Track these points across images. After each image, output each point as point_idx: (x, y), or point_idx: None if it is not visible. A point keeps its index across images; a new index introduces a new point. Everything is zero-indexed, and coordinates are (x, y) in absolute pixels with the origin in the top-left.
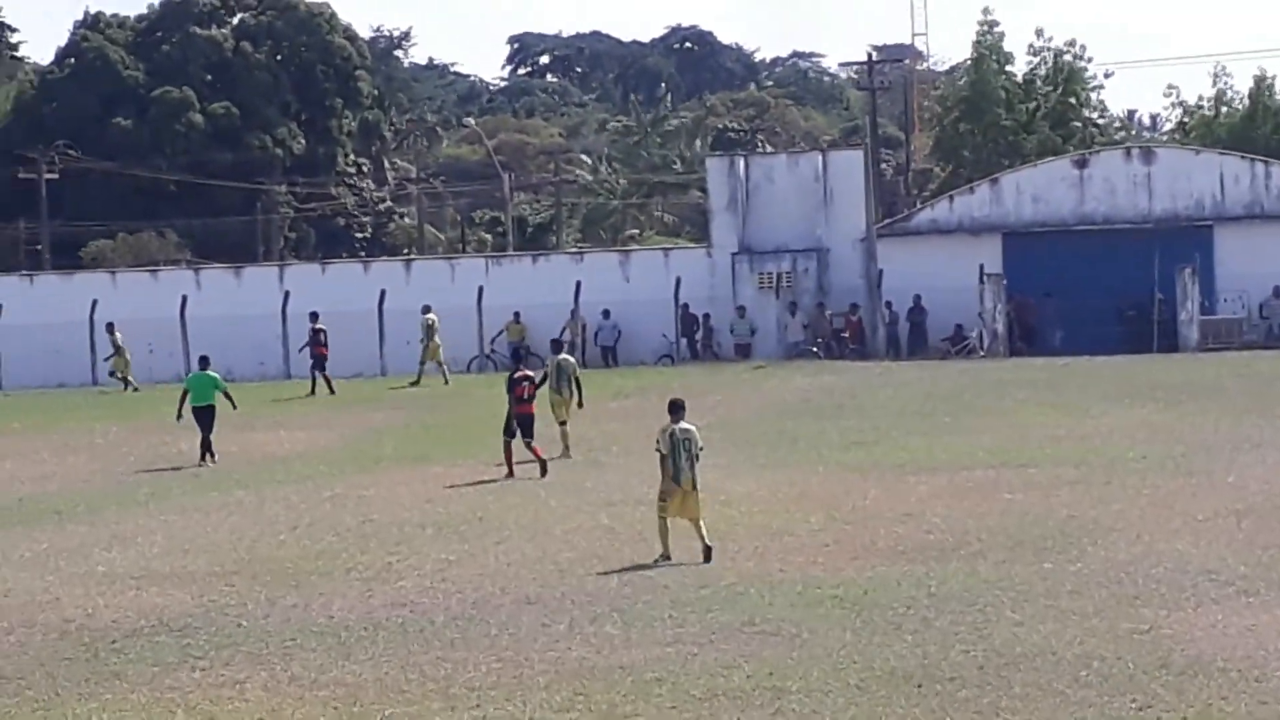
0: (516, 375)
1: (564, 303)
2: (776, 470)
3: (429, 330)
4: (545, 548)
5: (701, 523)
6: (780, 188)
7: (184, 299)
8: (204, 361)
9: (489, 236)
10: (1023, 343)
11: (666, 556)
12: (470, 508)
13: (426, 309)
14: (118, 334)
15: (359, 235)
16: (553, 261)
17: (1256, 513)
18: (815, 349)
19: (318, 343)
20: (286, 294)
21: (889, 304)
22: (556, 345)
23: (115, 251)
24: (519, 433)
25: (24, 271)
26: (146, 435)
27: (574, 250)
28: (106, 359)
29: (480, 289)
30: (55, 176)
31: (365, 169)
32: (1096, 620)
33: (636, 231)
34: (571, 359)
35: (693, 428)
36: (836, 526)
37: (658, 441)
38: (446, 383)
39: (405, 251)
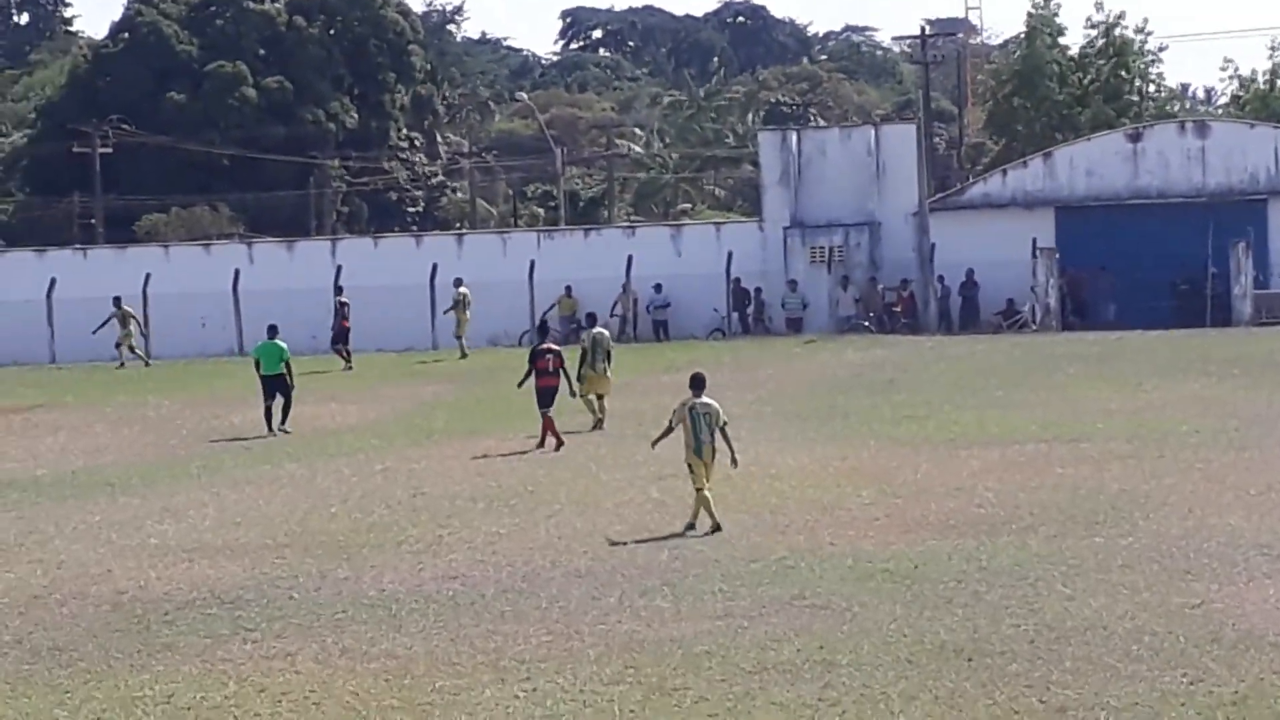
0: (540, 348)
1: (616, 277)
2: (827, 444)
3: (459, 304)
4: (596, 521)
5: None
6: (832, 162)
7: (236, 273)
8: (272, 330)
9: (541, 210)
10: (1075, 317)
11: (717, 527)
12: (521, 481)
13: (458, 282)
14: (127, 307)
15: (411, 209)
16: (604, 236)
17: None
18: (867, 323)
19: (342, 316)
20: (339, 268)
21: (941, 278)
22: (591, 319)
23: (168, 225)
24: (539, 404)
25: (77, 245)
26: (199, 408)
27: (626, 224)
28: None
29: (532, 263)
30: (109, 150)
31: (417, 143)
32: (1148, 594)
33: (688, 206)
34: (606, 332)
35: (713, 402)
36: (887, 501)
37: (673, 413)
38: (463, 356)
39: (457, 226)
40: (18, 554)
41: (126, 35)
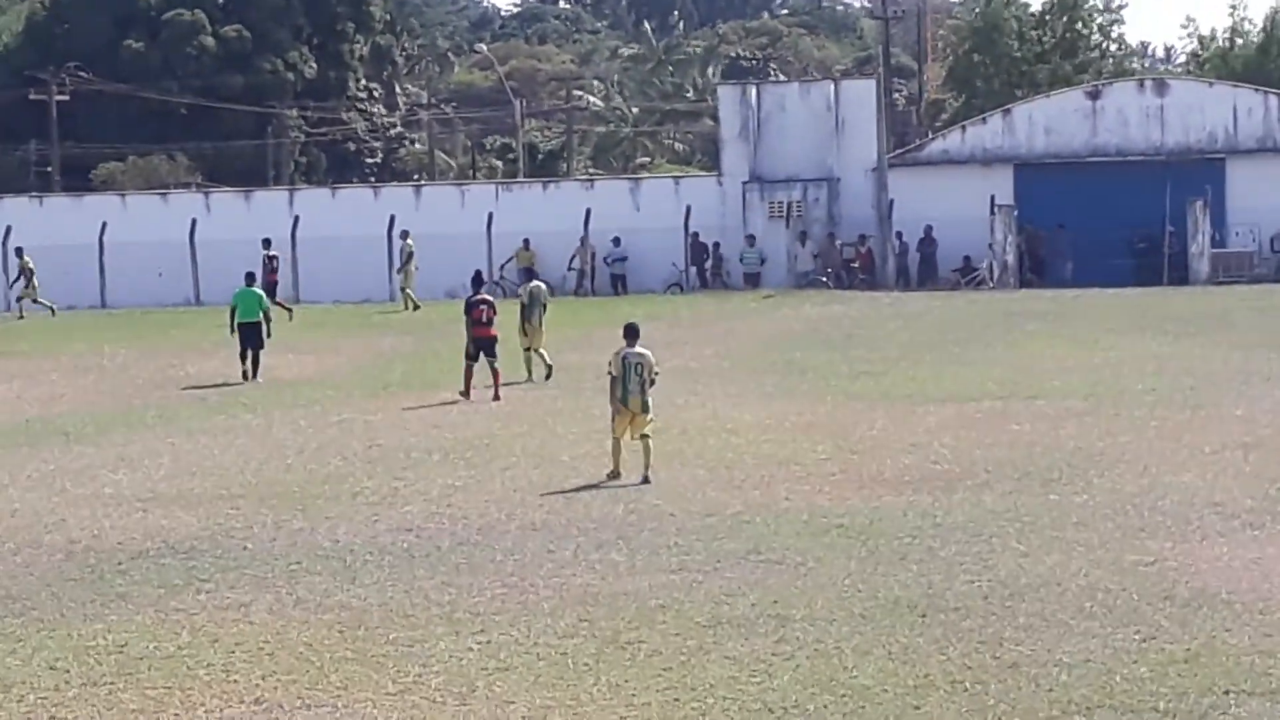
0: (474, 299)
1: (574, 230)
2: (784, 400)
3: (407, 256)
4: (551, 474)
5: (650, 443)
6: (792, 117)
7: (193, 222)
8: (250, 278)
9: (499, 163)
10: (1033, 274)
11: (616, 473)
12: (477, 433)
13: (405, 234)
14: (28, 258)
15: (369, 160)
16: (563, 189)
17: (1264, 446)
18: (825, 279)
19: (270, 270)
20: (296, 218)
21: (899, 234)
22: (529, 274)
23: (125, 174)
24: (481, 355)
25: (34, 193)
26: (155, 358)
27: (584, 177)
28: (11, 284)
29: (490, 215)
30: (66, 98)
31: (376, 94)
32: (1102, 552)
33: (647, 159)
34: (544, 285)
35: (646, 353)
36: (843, 456)
37: (610, 364)
38: (409, 308)
39: (415, 177)
40: None
41: None
